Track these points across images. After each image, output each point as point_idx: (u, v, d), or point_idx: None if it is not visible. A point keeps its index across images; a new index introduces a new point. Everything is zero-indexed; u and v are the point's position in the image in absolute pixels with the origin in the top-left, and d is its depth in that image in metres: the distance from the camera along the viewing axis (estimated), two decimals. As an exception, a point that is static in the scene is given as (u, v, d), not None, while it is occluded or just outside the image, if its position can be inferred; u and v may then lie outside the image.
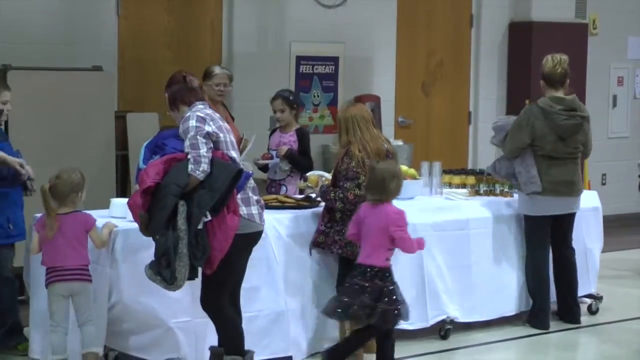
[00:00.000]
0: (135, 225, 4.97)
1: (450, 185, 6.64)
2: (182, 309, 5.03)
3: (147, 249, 4.97)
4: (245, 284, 5.06)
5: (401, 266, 5.88)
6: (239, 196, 4.66)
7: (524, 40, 9.59)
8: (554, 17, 9.63)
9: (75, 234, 4.86)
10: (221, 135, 4.70)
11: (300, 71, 8.61)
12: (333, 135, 8.53)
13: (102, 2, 7.72)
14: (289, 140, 6.56)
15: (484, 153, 9.42)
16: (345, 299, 5.07)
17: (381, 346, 5.21)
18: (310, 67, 8.66)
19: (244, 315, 5.14)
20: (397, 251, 5.60)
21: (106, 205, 5.38)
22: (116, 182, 7.14)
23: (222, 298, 4.76)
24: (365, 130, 5.49)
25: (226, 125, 4.83)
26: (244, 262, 4.83)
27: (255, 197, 4.76)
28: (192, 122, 4.68)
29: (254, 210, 4.72)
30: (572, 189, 6.29)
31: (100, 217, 5.26)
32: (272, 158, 6.54)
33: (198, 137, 4.63)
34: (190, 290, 4.99)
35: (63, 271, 4.83)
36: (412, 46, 9.27)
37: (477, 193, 6.54)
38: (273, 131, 6.76)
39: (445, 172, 6.68)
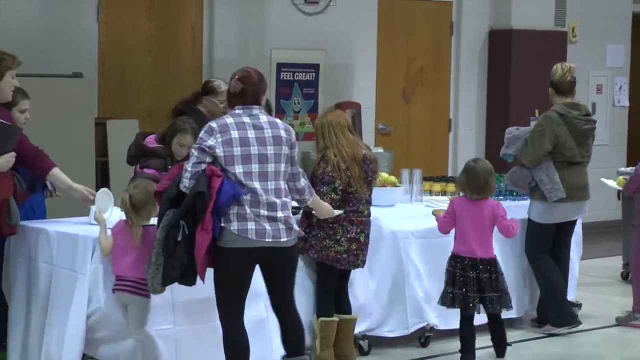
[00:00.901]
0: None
1: (430, 192, 6.66)
2: (163, 317, 5.00)
3: (127, 257, 4.98)
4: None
5: (381, 273, 5.91)
6: (234, 211, 4.59)
7: (504, 47, 9.65)
8: (534, 25, 9.69)
9: (147, 247, 4.79)
10: (219, 149, 4.58)
11: (281, 78, 8.61)
12: (313, 142, 8.54)
13: (82, 9, 7.70)
14: None
15: (464, 160, 9.36)
16: (457, 291, 5.58)
17: (494, 330, 5.74)
18: (291, 74, 8.67)
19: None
20: (372, 254, 5.63)
21: (86, 213, 5.35)
22: (96, 189, 7.09)
23: (227, 312, 4.72)
24: (341, 135, 5.50)
25: (269, 133, 4.67)
26: (241, 278, 4.70)
27: (264, 213, 4.61)
28: (201, 133, 4.69)
29: (250, 225, 4.60)
30: (586, 193, 6.40)
31: (79, 224, 5.25)
32: None
33: (193, 149, 4.65)
34: (171, 298, 4.98)
35: (125, 282, 4.83)
36: (392, 53, 9.30)
37: (457, 201, 6.56)
38: None
39: (425, 179, 6.70)
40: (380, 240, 5.89)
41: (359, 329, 5.74)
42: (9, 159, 5.01)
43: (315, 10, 8.76)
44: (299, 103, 8.72)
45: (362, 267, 5.62)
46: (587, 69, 10.34)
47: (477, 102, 9.78)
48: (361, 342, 5.83)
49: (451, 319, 6.16)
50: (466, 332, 5.68)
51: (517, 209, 6.51)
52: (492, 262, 5.66)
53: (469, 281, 5.61)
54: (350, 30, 8.91)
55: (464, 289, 5.62)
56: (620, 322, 6.72)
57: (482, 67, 9.77)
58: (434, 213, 6.02)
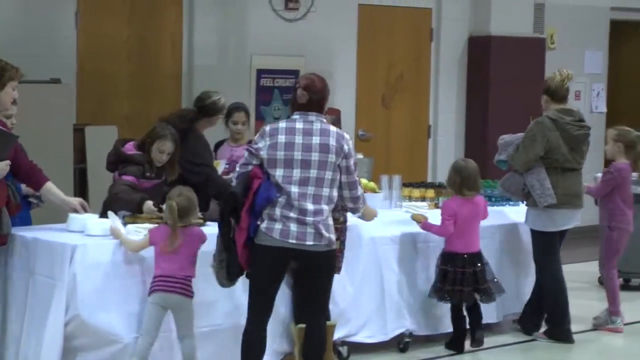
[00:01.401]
0: (95, 240, 5.02)
1: (410, 198, 6.68)
2: (141, 324, 4.98)
3: (106, 264, 4.96)
4: (202, 298, 5.07)
5: (361, 279, 5.92)
6: (267, 211, 4.76)
7: (483, 54, 9.68)
8: (513, 31, 9.74)
9: (189, 247, 4.97)
10: (264, 152, 4.77)
11: (261, 84, 8.61)
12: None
13: (61, 15, 7.67)
14: (243, 153, 6.50)
15: (444, 166, 9.45)
16: (453, 287, 5.86)
17: (460, 316, 6.01)
18: (271, 80, 8.67)
19: (201, 329, 5.12)
20: (352, 260, 5.63)
21: (64, 220, 5.33)
22: (74, 195, 7.07)
23: (250, 308, 4.87)
24: None
25: (317, 140, 4.76)
26: (266, 275, 4.83)
27: (293, 215, 4.73)
28: (256, 136, 4.89)
29: (277, 225, 4.74)
30: (581, 200, 6.42)
31: (57, 231, 5.23)
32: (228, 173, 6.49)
33: (245, 150, 4.92)
34: (141, 306, 4.99)
35: (167, 281, 4.91)
36: (372, 60, 9.31)
37: (437, 206, 6.56)
38: (219, 144, 6.70)
39: (405, 185, 6.73)
40: (359, 247, 5.89)
41: (338, 335, 5.74)
42: (4, 167, 4.99)
43: (296, 17, 8.77)
44: (279, 109, 8.72)
45: (338, 273, 5.60)
46: (566, 75, 10.40)
47: (456, 108, 9.81)
48: (340, 348, 5.83)
49: (430, 324, 6.20)
50: (458, 317, 6.00)
51: (496, 214, 6.56)
52: (481, 254, 5.99)
53: (467, 277, 5.85)
54: (330, 36, 8.92)
55: (460, 285, 5.85)
56: (597, 326, 6.76)
57: (461, 73, 9.80)
58: (413, 218, 6.07)
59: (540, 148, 6.25)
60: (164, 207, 5.29)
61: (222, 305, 5.31)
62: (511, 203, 6.77)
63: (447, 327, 6.22)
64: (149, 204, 5.38)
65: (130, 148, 5.80)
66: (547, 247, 6.35)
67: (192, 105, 6.40)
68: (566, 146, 6.30)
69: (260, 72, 8.59)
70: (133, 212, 5.41)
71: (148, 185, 5.60)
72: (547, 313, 6.41)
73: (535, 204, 6.27)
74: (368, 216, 5.41)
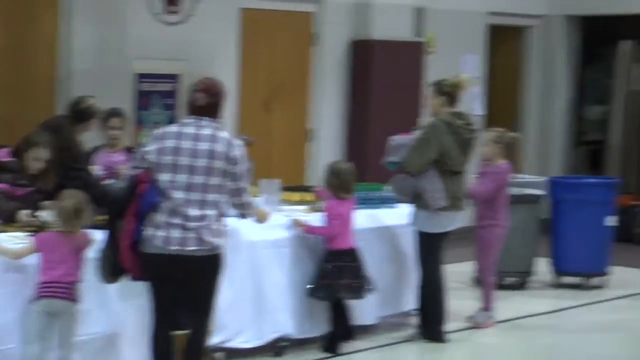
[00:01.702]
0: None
1: (289, 202, 6.73)
2: (9, 335, 4.89)
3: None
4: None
5: (240, 283, 5.92)
6: (151, 217, 4.75)
7: (365, 58, 9.81)
8: (393, 35, 9.91)
9: (75, 251, 4.90)
10: (152, 156, 4.77)
11: (141, 89, 8.53)
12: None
13: None
14: (120, 159, 6.48)
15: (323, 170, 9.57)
16: (346, 282, 6.05)
17: (341, 314, 6.13)
18: (151, 84, 8.59)
19: (76, 338, 5.05)
20: (230, 264, 5.67)
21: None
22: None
23: (152, 315, 4.88)
24: None
25: (205, 146, 4.75)
26: (156, 281, 4.85)
27: (177, 222, 4.74)
28: (149, 138, 4.91)
29: (160, 232, 4.75)
30: (463, 202, 6.53)
31: None
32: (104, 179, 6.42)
33: (135, 154, 5.04)
34: (18, 316, 4.89)
35: (53, 286, 4.81)
36: (254, 64, 9.33)
37: (316, 210, 6.64)
38: (95, 149, 6.62)
39: (284, 189, 6.77)
40: (238, 251, 5.89)
41: (215, 340, 5.71)
42: None
43: (176, 20, 8.72)
44: (159, 114, 8.65)
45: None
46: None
47: (338, 112, 9.91)
48: (217, 354, 5.82)
49: (308, 327, 6.25)
50: (338, 316, 6.14)
51: (374, 217, 6.67)
52: (357, 251, 6.15)
53: (355, 270, 6.04)
54: (211, 40, 8.89)
55: (353, 278, 6.04)
56: (477, 324, 6.93)
57: (343, 78, 9.90)
58: (295, 223, 6.12)
59: (435, 151, 6.32)
60: (41, 214, 5.22)
61: (97, 314, 5.24)
62: (386, 206, 6.88)
63: (325, 329, 6.26)
64: (22, 213, 5.29)
65: (3, 155, 5.69)
66: (432, 248, 6.47)
67: (66, 111, 6.32)
68: (457, 149, 6.41)
69: (140, 77, 8.51)
70: (5, 221, 5.30)
71: (22, 193, 5.51)
72: (424, 313, 6.54)
73: (425, 206, 6.35)
74: (261, 217, 5.43)
